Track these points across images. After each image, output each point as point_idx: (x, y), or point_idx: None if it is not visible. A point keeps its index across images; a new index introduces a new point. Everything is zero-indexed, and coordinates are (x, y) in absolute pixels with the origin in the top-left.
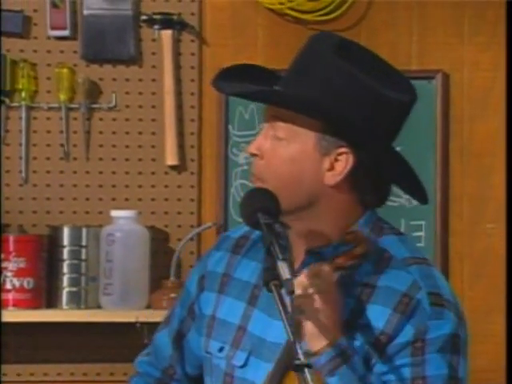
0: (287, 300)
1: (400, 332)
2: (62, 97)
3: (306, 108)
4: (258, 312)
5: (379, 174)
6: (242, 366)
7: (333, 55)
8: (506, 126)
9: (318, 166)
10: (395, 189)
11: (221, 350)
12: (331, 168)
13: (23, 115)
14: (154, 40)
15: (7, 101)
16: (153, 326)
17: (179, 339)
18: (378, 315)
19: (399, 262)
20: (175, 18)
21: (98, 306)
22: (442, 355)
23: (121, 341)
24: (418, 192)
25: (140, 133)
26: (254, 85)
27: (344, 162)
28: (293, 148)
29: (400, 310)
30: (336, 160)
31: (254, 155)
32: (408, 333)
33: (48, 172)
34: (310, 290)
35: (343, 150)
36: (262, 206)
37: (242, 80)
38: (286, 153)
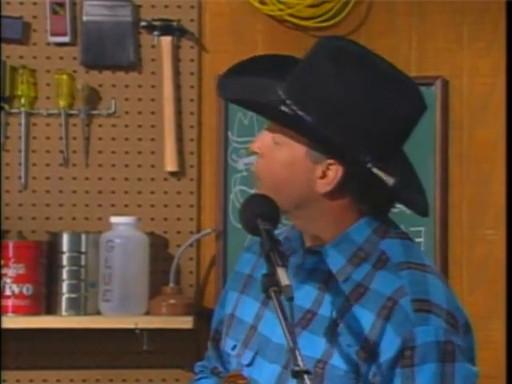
0: (287, 306)
1: (383, 337)
2: (62, 103)
3: (291, 125)
4: (269, 312)
5: (372, 184)
6: (249, 365)
7: (329, 65)
8: (505, 132)
9: (310, 173)
10: None
11: (234, 348)
12: (323, 176)
13: (23, 121)
14: (153, 46)
15: (7, 107)
16: (152, 332)
17: (217, 339)
18: (364, 320)
19: (393, 265)
20: (175, 24)
21: (98, 312)
22: (431, 365)
23: (120, 347)
24: (417, 203)
25: (139, 139)
26: (267, 79)
27: (334, 172)
28: (286, 153)
29: (383, 315)
30: (328, 169)
31: (255, 153)
32: (395, 344)
33: (47, 178)
34: None
35: (332, 161)
36: (262, 212)
37: (241, 80)
38: (280, 157)
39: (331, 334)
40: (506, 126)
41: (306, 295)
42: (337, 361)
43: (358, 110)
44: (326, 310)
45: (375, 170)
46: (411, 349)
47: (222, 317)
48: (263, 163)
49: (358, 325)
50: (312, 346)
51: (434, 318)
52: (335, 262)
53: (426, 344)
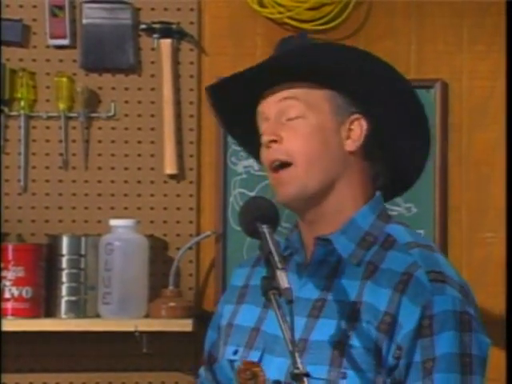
0: (286, 309)
1: (401, 310)
2: (61, 106)
3: (326, 69)
4: (272, 311)
5: (390, 145)
6: None
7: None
8: (505, 135)
9: (337, 135)
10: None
11: (235, 352)
12: (348, 136)
13: (22, 124)
14: (153, 49)
15: (6, 110)
16: (152, 335)
17: (211, 361)
18: (380, 297)
19: (402, 245)
20: (174, 27)
21: (97, 315)
22: (450, 333)
23: (120, 350)
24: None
25: (139, 142)
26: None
27: (358, 128)
28: (311, 121)
29: (400, 289)
30: (350, 129)
31: (273, 141)
32: (415, 315)
33: (47, 181)
34: None
35: (356, 116)
36: (261, 215)
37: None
38: (306, 127)
39: (347, 315)
40: (506, 129)
41: (314, 288)
42: (356, 340)
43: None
44: (337, 294)
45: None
46: (429, 318)
47: (214, 339)
48: (286, 146)
49: (375, 301)
50: (329, 330)
51: (449, 288)
52: (345, 247)
53: (444, 312)
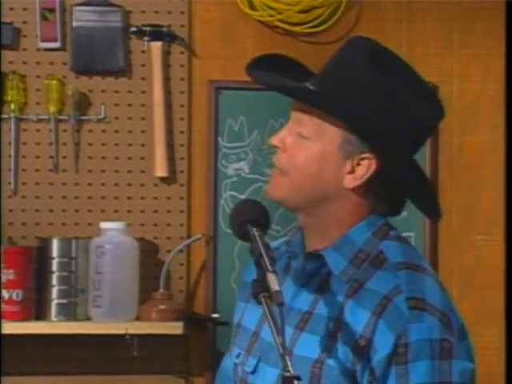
0: (277, 312)
1: (376, 334)
2: (52, 108)
3: (338, 111)
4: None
5: (396, 183)
6: (253, 372)
7: (366, 62)
8: (504, 137)
9: (339, 168)
10: None
11: (238, 355)
12: (352, 171)
13: (12, 127)
14: (143, 52)
15: None
16: (142, 338)
17: None
18: (359, 318)
19: (391, 265)
20: (165, 29)
21: (88, 318)
22: (425, 362)
23: (110, 353)
24: (430, 206)
25: (129, 144)
26: (287, 79)
27: (366, 167)
28: (316, 148)
29: (377, 312)
30: (358, 164)
31: (276, 147)
32: (389, 341)
33: (37, 184)
34: None
35: (367, 155)
36: (252, 218)
37: (276, 72)
38: (309, 151)
39: (328, 333)
40: (506, 132)
41: (305, 298)
42: (333, 360)
43: (389, 108)
44: (323, 309)
45: (416, 168)
46: (404, 346)
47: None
48: (287, 157)
49: (353, 322)
50: (310, 346)
51: (428, 316)
52: (337, 264)
53: (420, 341)
